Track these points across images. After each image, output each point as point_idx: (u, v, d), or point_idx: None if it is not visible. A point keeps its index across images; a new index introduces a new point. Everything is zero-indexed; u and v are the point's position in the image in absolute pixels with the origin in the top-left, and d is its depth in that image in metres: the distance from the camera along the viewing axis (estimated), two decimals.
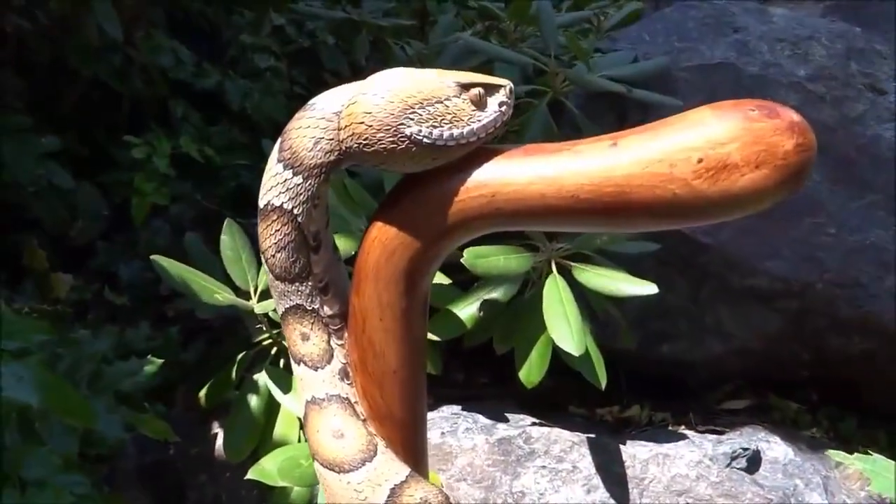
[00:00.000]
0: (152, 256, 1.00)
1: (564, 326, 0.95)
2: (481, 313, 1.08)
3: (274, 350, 1.10)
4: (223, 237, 1.04)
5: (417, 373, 0.43)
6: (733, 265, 1.21)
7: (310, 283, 0.42)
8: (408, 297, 0.41)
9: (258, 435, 1.04)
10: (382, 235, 0.41)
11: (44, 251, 1.46)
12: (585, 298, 1.09)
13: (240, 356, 1.11)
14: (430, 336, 1.08)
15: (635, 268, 1.21)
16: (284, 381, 1.03)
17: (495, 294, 1.08)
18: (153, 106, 1.58)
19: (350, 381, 0.43)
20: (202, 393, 1.13)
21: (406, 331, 0.42)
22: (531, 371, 1.06)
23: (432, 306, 1.12)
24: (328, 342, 0.43)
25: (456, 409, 1.17)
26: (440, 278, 1.02)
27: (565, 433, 1.12)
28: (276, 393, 1.02)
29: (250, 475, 0.94)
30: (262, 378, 1.05)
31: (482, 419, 1.14)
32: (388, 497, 0.41)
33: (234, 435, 1.04)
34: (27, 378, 0.79)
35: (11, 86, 1.44)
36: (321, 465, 0.42)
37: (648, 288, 0.97)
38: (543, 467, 1.09)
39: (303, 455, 0.89)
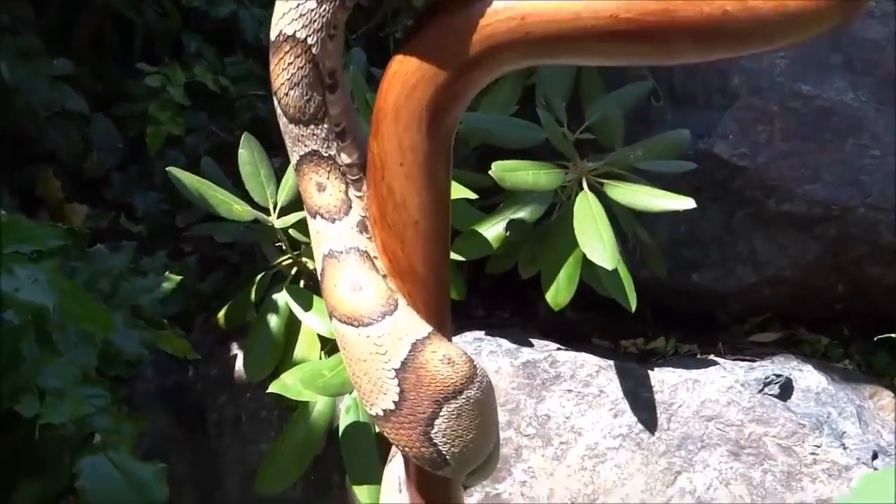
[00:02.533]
0: (168, 168, 0.97)
1: (597, 241, 0.91)
2: (508, 233, 1.05)
3: (294, 270, 1.08)
4: (241, 151, 1.02)
5: (440, 227, 0.40)
6: (770, 189, 1.16)
7: (325, 127, 0.39)
8: (430, 139, 0.38)
9: (279, 354, 1.02)
10: (403, 69, 0.37)
11: (58, 181, 1.45)
12: (616, 222, 1.06)
13: (259, 276, 1.09)
14: (454, 256, 1.05)
15: None
16: (305, 299, 1.01)
17: (522, 214, 1.05)
18: (166, 40, 1.56)
19: (369, 236, 0.40)
20: (221, 314, 1.12)
21: (428, 177, 0.38)
22: (558, 293, 1.03)
23: (455, 229, 1.09)
24: (346, 193, 0.40)
25: (479, 334, 1.14)
26: (465, 193, 0.98)
27: (592, 358, 1.09)
28: (297, 311, 1.00)
29: (271, 389, 0.92)
30: (282, 297, 1.04)
31: (506, 343, 1.11)
32: (410, 352, 0.38)
33: (255, 354, 1.03)
34: (42, 281, 0.77)
35: (24, 17, 1.41)
36: (339, 320, 0.40)
37: (685, 202, 0.93)
38: (569, 391, 1.07)
39: (325, 367, 0.88)
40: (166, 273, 1.03)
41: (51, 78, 1.32)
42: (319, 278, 0.41)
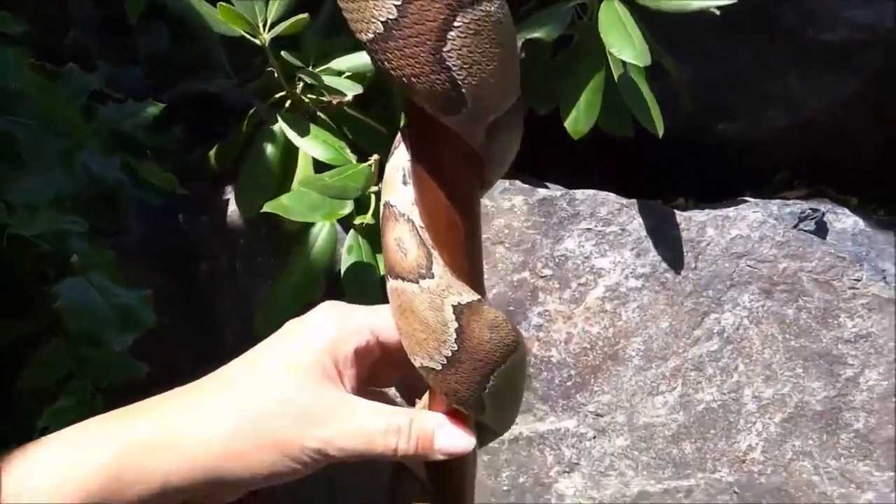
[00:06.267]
0: None
1: (626, 40, 0.82)
2: (523, 55, 0.96)
3: (288, 103, 0.99)
4: None
5: None
6: (810, 16, 1.06)
7: None
8: None
9: (275, 185, 0.94)
10: None
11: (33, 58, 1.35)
12: None
13: (251, 111, 1.00)
14: None
15: (690, 30, 1.07)
16: (301, 126, 0.93)
17: (539, 33, 0.95)
18: None
19: None
20: (212, 153, 1.03)
21: None
22: (578, 119, 0.94)
23: None
24: None
25: None
26: None
27: (612, 196, 1.01)
28: (293, 137, 0.92)
29: (267, 208, 0.84)
30: (276, 127, 0.95)
31: (520, 183, 1.03)
32: None
33: (248, 187, 0.95)
34: (5, 61, 0.69)
35: None
36: None
37: None
38: (588, 230, 0.99)
39: (325, 175, 0.79)
40: (150, 99, 0.94)
41: None
42: None
